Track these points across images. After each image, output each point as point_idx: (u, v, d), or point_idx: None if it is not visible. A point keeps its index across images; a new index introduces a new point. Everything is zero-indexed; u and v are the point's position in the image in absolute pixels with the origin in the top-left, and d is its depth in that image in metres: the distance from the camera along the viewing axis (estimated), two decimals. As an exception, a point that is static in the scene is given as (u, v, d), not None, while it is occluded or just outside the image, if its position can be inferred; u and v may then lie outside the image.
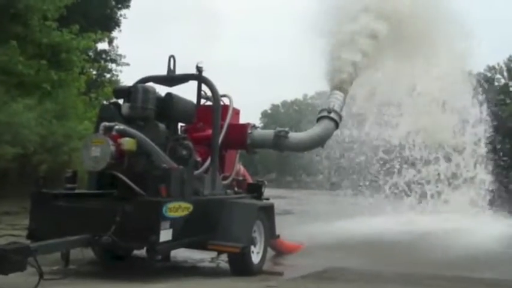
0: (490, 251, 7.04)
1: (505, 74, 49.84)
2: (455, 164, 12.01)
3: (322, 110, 7.32)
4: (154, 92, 5.30)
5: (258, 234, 5.61)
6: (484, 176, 12.15)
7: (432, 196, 12.03)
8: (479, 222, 9.77)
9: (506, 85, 49.05)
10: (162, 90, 5.59)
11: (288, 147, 6.82)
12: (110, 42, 17.83)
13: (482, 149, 12.39)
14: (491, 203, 11.86)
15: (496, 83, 47.53)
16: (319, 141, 7.14)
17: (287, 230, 7.19)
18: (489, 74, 44.22)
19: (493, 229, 9.13)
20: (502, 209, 11.84)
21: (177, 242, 4.70)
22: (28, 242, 4.45)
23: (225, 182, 6.12)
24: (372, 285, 4.94)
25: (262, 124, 63.48)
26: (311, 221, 9.61)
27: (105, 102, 11.91)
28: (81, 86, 13.69)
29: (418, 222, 9.56)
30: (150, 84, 5.68)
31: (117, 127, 4.88)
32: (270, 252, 6.35)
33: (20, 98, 10.75)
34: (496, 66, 49.04)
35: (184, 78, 5.95)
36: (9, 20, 11.96)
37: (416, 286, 4.94)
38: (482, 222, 9.87)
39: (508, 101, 46.23)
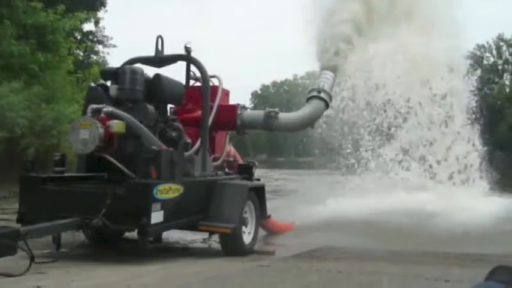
0: (481, 227, 7.12)
1: (494, 52, 50.04)
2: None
3: (312, 90, 7.31)
4: (142, 73, 5.23)
5: (249, 215, 5.63)
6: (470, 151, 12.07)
7: (421, 174, 12.05)
8: (471, 200, 9.86)
9: (495, 63, 49.30)
10: (150, 71, 5.54)
11: (278, 127, 6.81)
12: (96, 23, 17.52)
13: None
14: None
15: (485, 62, 47.72)
16: (309, 121, 7.16)
17: (277, 210, 7.23)
18: (478, 53, 44.38)
19: (485, 206, 9.22)
20: (495, 187, 11.87)
21: (168, 223, 4.70)
22: (18, 226, 4.44)
23: (215, 163, 6.13)
24: (363, 263, 5.00)
25: (252, 105, 63.44)
26: (301, 201, 9.65)
27: (92, 84, 11.75)
28: (69, 66, 13.48)
29: (408, 201, 9.63)
30: (138, 65, 5.61)
31: (105, 109, 4.83)
32: (262, 232, 6.39)
33: (6, 82, 10.59)
34: (486, 45, 49.20)
35: (173, 59, 5.88)
36: (-8, 1, 11.72)
37: (406, 263, 5.01)
38: (474, 200, 9.95)
39: (497, 79, 46.54)
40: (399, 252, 5.80)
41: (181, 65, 5.94)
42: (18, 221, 4.74)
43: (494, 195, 10.95)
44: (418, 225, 7.33)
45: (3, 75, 11.16)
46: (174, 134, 5.26)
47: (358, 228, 7.31)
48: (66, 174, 5.24)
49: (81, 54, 17.16)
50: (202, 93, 5.73)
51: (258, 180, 6.56)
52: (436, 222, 7.41)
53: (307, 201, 9.33)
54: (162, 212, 4.53)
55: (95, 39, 20.02)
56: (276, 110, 6.67)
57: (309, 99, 7.23)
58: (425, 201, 9.36)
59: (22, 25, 12.12)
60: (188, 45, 5.70)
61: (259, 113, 6.74)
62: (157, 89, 5.28)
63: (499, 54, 49.69)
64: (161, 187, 4.53)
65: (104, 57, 20.43)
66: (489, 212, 8.64)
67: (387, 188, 11.23)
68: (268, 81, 77.25)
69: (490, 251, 5.78)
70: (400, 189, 11.07)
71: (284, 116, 6.79)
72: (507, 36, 48.73)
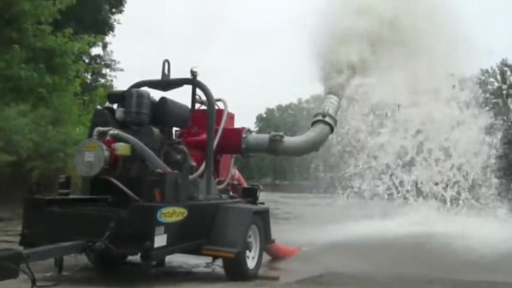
0: (495, 252, 6.95)
1: (498, 77, 50.18)
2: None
3: (316, 114, 7.33)
4: (148, 96, 5.28)
5: (253, 239, 5.58)
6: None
7: (432, 197, 11.89)
8: (482, 224, 9.69)
9: (499, 88, 49.37)
10: (156, 94, 5.59)
11: (283, 151, 6.80)
12: (104, 47, 17.82)
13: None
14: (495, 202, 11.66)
15: (490, 86, 47.78)
16: (314, 146, 7.15)
17: (282, 234, 7.17)
18: (482, 78, 44.47)
19: (497, 231, 9.05)
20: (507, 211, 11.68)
21: (171, 247, 4.66)
22: (21, 248, 4.41)
23: (220, 187, 6.10)
24: (368, 289, 4.92)
25: (257, 128, 63.64)
26: (304, 225, 9.57)
27: (99, 107, 11.84)
28: (76, 88, 13.61)
29: (417, 225, 9.51)
30: (145, 88, 5.66)
31: (111, 132, 4.87)
32: (266, 257, 6.32)
33: (14, 104, 10.69)
34: (489, 70, 49.36)
35: (179, 83, 5.92)
36: (3, 25, 11.93)
37: (412, 290, 4.93)
38: (485, 225, 9.79)
39: (501, 103, 46.44)
40: (405, 278, 5.71)
41: (188, 88, 5.99)
42: (21, 243, 4.72)
43: (510, 218, 10.75)
44: (427, 249, 7.21)
45: (12, 97, 11.28)
46: (179, 157, 5.26)
47: (363, 252, 7.21)
48: (70, 197, 5.24)
49: (89, 77, 17.36)
50: (207, 116, 5.76)
51: (263, 203, 6.52)
52: (446, 246, 7.27)
53: (310, 225, 9.27)
54: (165, 235, 4.49)
55: (103, 62, 20.28)
56: (281, 133, 6.67)
57: (313, 123, 7.25)
58: (436, 224, 9.23)
59: (32, 48, 12.31)
60: (194, 69, 5.76)
61: (264, 137, 6.74)
62: (163, 112, 5.32)
63: (503, 79, 49.87)
64: (165, 210, 4.51)
65: (111, 81, 20.68)
66: (504, 237, 8.48)
67: (394, 211, 11.13)
68: (273, 105, 77.76)
69: (503, 278, 5.65)
70: (407, 212, 10.96)
71: (289, 140, 6.79)
72: (511, 61, 49.07)
